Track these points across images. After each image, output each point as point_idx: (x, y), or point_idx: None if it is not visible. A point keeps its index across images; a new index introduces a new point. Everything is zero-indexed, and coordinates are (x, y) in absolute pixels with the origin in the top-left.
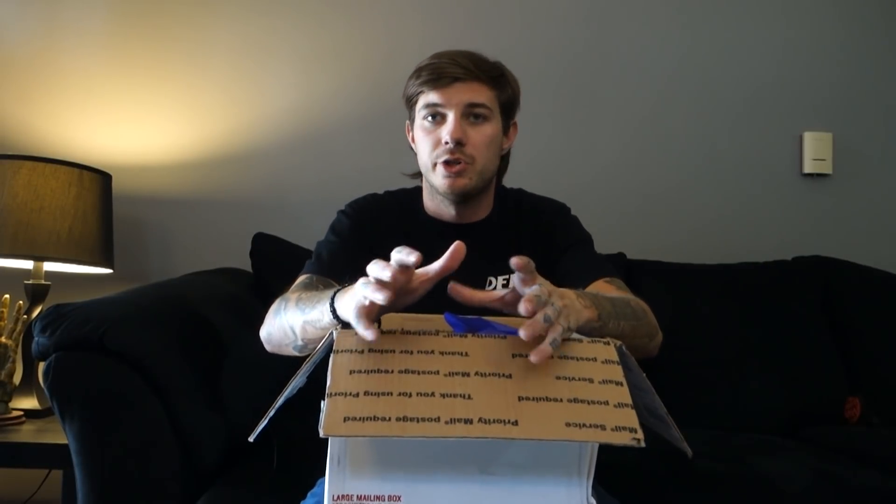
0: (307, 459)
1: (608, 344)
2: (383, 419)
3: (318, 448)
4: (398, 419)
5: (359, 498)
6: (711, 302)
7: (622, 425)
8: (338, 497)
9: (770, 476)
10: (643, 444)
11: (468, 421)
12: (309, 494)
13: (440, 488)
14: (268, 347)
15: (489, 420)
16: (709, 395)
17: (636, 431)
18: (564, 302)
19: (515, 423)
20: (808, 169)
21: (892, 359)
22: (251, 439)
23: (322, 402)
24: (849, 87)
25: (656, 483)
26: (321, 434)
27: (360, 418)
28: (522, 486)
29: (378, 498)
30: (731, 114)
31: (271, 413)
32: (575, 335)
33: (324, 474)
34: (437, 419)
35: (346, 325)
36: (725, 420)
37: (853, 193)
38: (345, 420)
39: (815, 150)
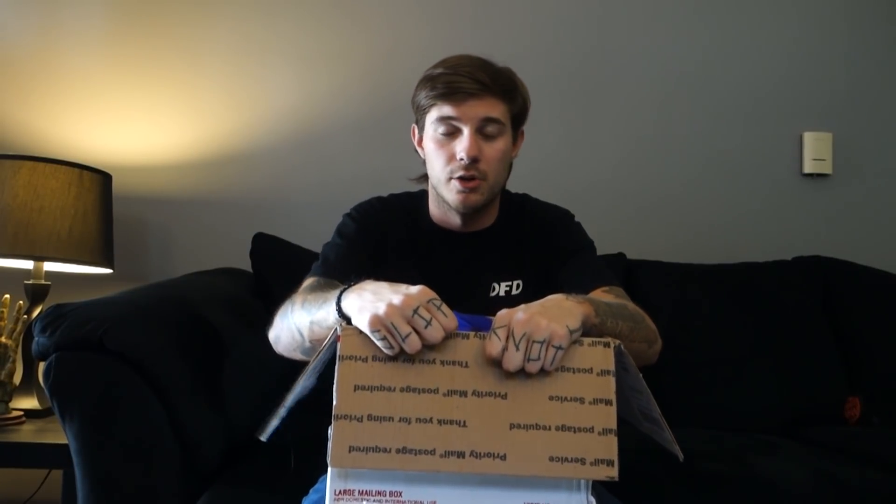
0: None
1: (608, 346)
2: (385, 450)
3: (322, 444)
4: (398, 451)
5: (360, 493)
6: (711, 302)
7: (601, 457)
8: (339, 492)
9: (770, 476)
10: (616, 479)
11: (461, 455)
12: (311, 490)
13: (441, 486)
14: (276, 350)
15: (480, 454)
16: (709, 395)
17: (612, 466)
18: (528, 314)
19: (504, 457)
20: (808, 169)
21: (892, 359)
22: (264, 439)
23: (329, 429)
24: (849, 87)
25: (656, 483)
26: (329, 465)
27: (363, 448)
28: (522, 485)
29: (380, 493)
30: (731, 114)
31: (283, 413)
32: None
33: (326, 471)
34: (433, 451)
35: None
36: (725, 420)
37: (853, 193)
38: (350, 451)
39: (815, 150)
